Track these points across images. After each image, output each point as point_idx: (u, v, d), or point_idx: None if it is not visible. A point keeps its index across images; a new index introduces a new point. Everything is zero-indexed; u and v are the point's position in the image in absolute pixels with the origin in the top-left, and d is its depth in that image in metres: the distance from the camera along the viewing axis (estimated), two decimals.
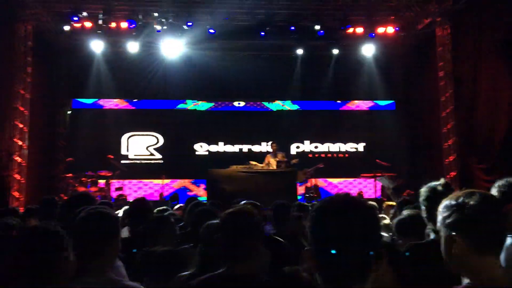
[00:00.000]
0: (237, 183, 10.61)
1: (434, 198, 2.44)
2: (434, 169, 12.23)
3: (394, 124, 14.43)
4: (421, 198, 2.64)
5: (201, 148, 14.53)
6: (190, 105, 14.69)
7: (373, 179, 12.41)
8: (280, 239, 3.81)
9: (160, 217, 3.64)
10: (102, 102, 14.35)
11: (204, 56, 13.52)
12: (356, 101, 14.97)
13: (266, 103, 14.87)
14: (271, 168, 11.37)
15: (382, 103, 14.91)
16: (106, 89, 13.86)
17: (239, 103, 14.88)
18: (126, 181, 13.42)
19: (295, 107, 14.94)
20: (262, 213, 4.31)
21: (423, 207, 2.63)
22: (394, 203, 6.72)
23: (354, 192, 13.84)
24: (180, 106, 14.69)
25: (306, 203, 9.36)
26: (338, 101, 14.98)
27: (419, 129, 13.93)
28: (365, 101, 14.93)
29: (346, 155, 14.67)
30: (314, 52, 13.52)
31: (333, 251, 1.31)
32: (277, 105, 14.87)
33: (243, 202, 4.49)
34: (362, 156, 14.47)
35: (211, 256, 2.47)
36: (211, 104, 14.76)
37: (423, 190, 2.66)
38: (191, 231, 3.75)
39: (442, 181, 2.63)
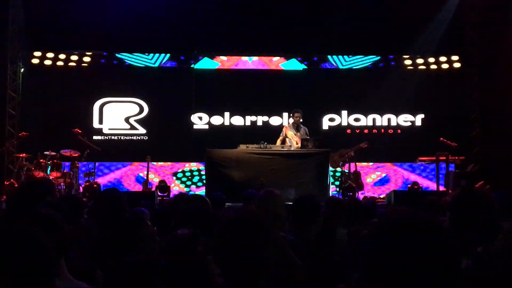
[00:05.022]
0: (247, 168, 10.84)
1: None
2: None
3: (463, 88, 14.58)
4: None
5: (200, 121, 14.77)
6: (185, 61, 14.93)
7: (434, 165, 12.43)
8: None
9: (134, 217, 3.72)
10: (65, 55, 14.46)
11: None
12: (406, 57, 15.08)
13: (285, 64, 14.97)
14: (291, 147, 11.55)
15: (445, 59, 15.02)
16: (73, 38, 14.04)
17: (250, 59, 15.00)
18: (99, 164, 13.59)
19: (331, 63, 15.08)
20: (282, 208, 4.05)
21: None
22: None
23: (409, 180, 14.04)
24: (171, 61, 14.93)
25: (340, 198, 9.54)
26: (389, 56, 15.14)
27: (497, 96, 13.93)
28: (423, 56, 15.01)
29: (399, 131, 14.84)
30: None
31: None
32: (294, 63, 14.98)
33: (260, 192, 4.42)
34: (420, 132, 14.66)
35: None
36: (216, 64, 14.89)
37: None
38: None
39: None
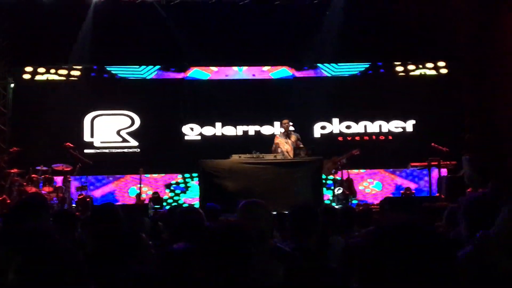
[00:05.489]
0: (241, 179, 10.82)
1: None
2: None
3: (454, 93, 14.61)
4: None
5: (191, 132, 14.79)
6: (176, 72, 14.99)
7: (426, 170, 12.42)
8: None
9: (129, 231, 3.71)
10: (55, 70, 14.47)
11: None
12: (396, 63, 15.23)
13: (274, 73, 15.00)
14: (282, 155, 11.50)
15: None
16: (62, 53, 14.05)
17: (240, 68, 15.07)
18: (92, 178, 13.57)
19: (321, 71, 15.13)
20: (270, 217, 4.10)
21: None
22: None
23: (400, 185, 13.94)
24: (162, 72, 14.99)
25: (334, 206, 9.55)
26: (379, 63, 15.20)
27: (489, 99, 13.92)
28: (413, 62, 15.09)
29: (390, 138, 14.81)
30: None
31: None
32: (284, 71, 15.04)
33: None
34: (412, 138, 14.73)
35: None
36: (207, 75, 14.90)
37: None
38: None
39: None
